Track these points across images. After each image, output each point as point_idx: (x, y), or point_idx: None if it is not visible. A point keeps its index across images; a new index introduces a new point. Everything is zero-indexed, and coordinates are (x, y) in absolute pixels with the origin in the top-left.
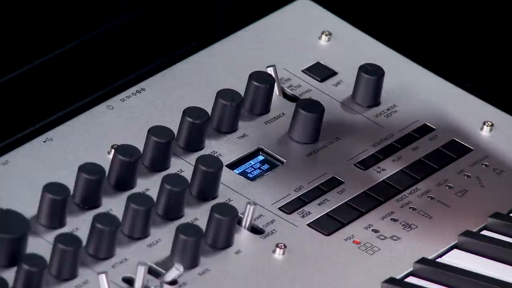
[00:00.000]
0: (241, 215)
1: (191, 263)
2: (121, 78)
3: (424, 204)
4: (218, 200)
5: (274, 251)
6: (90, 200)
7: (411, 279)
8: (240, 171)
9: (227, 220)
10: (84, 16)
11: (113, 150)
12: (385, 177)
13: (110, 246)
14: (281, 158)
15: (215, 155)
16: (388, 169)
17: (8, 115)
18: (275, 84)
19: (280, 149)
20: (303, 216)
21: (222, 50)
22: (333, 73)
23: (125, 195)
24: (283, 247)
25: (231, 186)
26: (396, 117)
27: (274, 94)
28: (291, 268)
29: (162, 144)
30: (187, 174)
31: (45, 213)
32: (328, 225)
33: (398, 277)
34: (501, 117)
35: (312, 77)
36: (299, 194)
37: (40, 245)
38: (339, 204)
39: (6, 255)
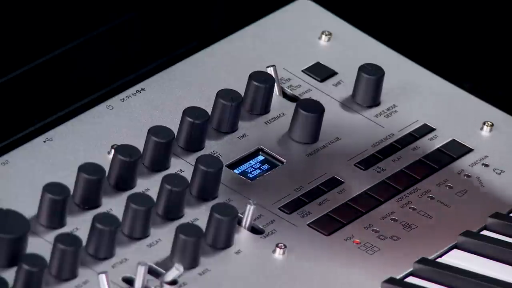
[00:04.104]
0: (241, 215)
1: (191, 263)
2: (121, 78)
3: (424, 204)
4: (218, 200)
5: (274, 251)
6: (90, 200)
7: (411, 279)
8: (240, 171)
9: (227, 220)
10: (84, 16)
11: (113, 150)
12: (385, 177)
13: (110, 246)
14: (281, 158)
15: (215, 155)
16: (388, 169)
17: (8, 115)
18: (275, 84)
19: (280, 149)
20: (303, 216)
21: (222, 50)
22: (333, 73)
23: (125, 195)
24: (283, 247)
25: (231, 186)
26: (396, 117)
27: (274, 94)
28: (291, 268)
29: (162, 144)
30: (187, 174)
31: (45, 213)
32: (328, 225)
33: (398, 277)
34: (501, 117)
35: (312, 77)
36: (299, 194)
37: (40, 245)
38: (339, 204)
39: (6, 255)
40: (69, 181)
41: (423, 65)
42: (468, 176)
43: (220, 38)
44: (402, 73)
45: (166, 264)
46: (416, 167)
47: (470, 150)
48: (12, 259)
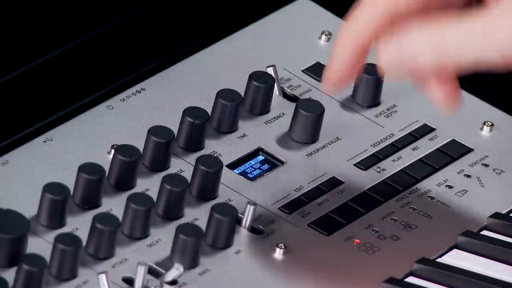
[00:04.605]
0: (241, 215)
1: (191, 263)
2: (121, 78)
3: (424, 204)
4: (218, 200)
5: (274, 251)
6: (90, 200)
7: (411, 279)
8: (240, 171)
9: (227, 220)
10: (84, 16)
11: (113, 150)
12: (385, 177)
13: (110, 246)
14: (281, 158)
15: (215, 155)
16: (388, 169)
17: (8, 115)
18: (275, 84)
19: (280, 149)
20: (303, 216)
21: (222, 50)
22: None
23: (125, 195)
24: (283, 247)
25: (231, 186)
26: (396, 117)
27: (274, 94)
28: (291, 268)
29: (162, 144)
30: (187, 174)
31: (45, 213)
32: (328, 225)
33: (398, 277)
34: (501, 117)
35: (312, 77)
36: (299, 194)
37: (40, 245)
38: (339, 204)
39: (6, 255)
40: (69, 181)
41: None
42: (468, 176)
43: (220, 38)
44: None
45: (166, 264)
46: (416, 167)
47: (470, 150)
48: (12, 259)
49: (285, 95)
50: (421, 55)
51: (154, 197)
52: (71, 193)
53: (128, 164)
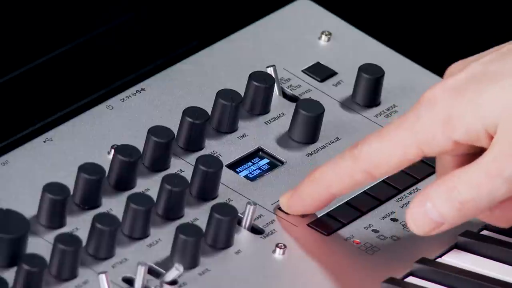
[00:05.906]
0: (241, 215)
1: (191, 263)
2: (121, 78)
3: None
4: (218, 200)
5: (274, 251)
6: (90, 200)
7: (411, 279)
8: (240, 171)
9: (227, 220)
10: (83, 16)
11: (113, 150)
12: (385, 177)
13: (110, 246)
14: (281, 158)
15: (215, 155)
16: None
17: (8, 115)
18: (275, 84)
19: (280, 149)
20: (303, 216)
21: (222, 50)
22: (333, 73)
23: (125, 195)
24: (283, 247)
25: (231, 186)
26: (396, 117)
27: (274, 94)
28: (291, 268)
29: (162, 144)
30: (187, 174)
31: (45, 213)
32: (328, 225)
33: (398, 277)
34: None
35: (312, 77)
36: None
37: (40, 245)
38: (339, 204)
39: (6, 255)
40: (69, 181)
41: (423, 65)
42: None
43: (220, 38)
44: (402, 73)
45: (166, 264)
46: (416, 167)
47: None
48: (12, 259)
49: (285, 95)
50: (446, 215)
51: (154, 197)
52: (71, 193)
53: (128, 164)
